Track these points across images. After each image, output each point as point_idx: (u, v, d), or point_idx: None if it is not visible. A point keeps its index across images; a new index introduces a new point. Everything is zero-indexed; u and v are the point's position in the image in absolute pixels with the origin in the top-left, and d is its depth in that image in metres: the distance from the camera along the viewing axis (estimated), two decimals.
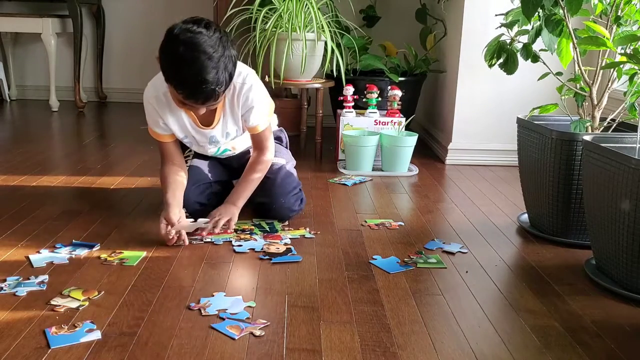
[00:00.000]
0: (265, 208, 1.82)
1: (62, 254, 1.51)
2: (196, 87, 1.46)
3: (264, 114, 1.74)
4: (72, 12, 3.71)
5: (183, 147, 1.91)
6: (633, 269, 1.37)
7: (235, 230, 1.71)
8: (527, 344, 1.17)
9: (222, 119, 1.73)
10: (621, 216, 1.37)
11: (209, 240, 1.63)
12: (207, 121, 1.72)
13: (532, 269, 1.55)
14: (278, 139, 2.03)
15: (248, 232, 1.71)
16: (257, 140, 1.79)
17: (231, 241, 1.63)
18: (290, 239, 1.67)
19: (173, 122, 1.71)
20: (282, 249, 1.60)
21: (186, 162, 1.86)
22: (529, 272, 1.53)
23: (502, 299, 1.37)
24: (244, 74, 1.68)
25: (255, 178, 1.77)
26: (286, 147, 2.06)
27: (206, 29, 1.50)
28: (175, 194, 1.67)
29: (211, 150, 1.82)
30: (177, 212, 1.62)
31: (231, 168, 1.93)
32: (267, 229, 1.74)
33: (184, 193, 1.72)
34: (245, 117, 1.72)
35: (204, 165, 1.85)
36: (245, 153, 1.90)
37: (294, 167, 1.96)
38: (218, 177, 1.87)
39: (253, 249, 1.59)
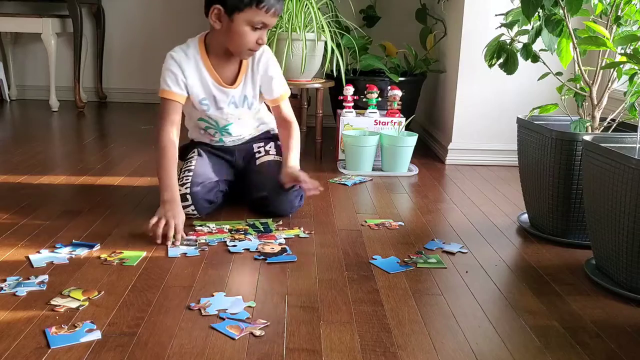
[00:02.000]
0: (264, 203, 1.83)
1: (62, 254, 1.51)
2: None
3: (284, 83, 1.90)
4: (72, 12, 3.71)
5: (189, 149, 1.95)
6: (633, 269, 1.37)
7: (230, 231, 1.70)
8: (527, 344, 1.17)
9: (243, 79, 1.84)
10: (621, 216, 1.37)
11: (203, 240, 1.62)
12: (229, 81, 1.84)
13: (532, 269, 1.55)
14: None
15: (242, 232, 1.70)
16: (285, 113, 1.90)
17: (225, 242, 1.63)
18: (285, 238, 1.67)
19: (195, 80, 1.80)
20: (277, 248, 1.59)
21: (190, 161, 1.89)
22: (529, 272, 1.53)
23: (502, 299, 1.37)
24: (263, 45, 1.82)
25: (297, 136, 1.90)
26: None
27: None
28: (175, 185, 1.72)
29: (221, 120, 1.89)
30: (182, 212, 1.67)
31: (234, 166, 1.96)
32: (262, 229, 1.73)
33: (192, 194, 1.77)
34: (268, 88, 1.87)
35: (207, 166, 1.88)
36: (249, 146, 1.97)
37: None
38: (223, 177, 1.90)
39: (248, 249, 1.58)
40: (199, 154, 1.92)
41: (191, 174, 1.82)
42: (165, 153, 1.73)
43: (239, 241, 1.63)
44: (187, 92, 1.79)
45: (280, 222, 1.80)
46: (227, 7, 1.68)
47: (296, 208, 1.87)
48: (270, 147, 1.98)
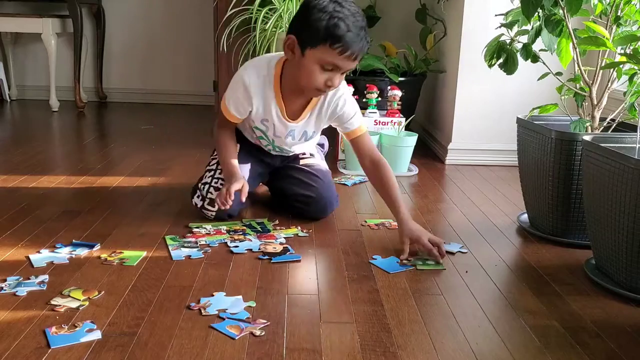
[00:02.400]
0: (306, 201, 1.82)
1: (62, 254, 1.51)
2: (360, 38, 1.51)
3: (359, 117, 1.77)
4: (72, 12, 3.71)
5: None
6: (633, 269, 1.37)
7: (228, 232, 1.70)
8: (527, 344, 1.17)
9: (308, 115, 1.76)
10: (621, 216, 1.37)
11: (204, 242, 1.62)
12: (293, 115, 1.75)
13: (532, 269, 1.55)
14: (320, 146, 2.12)
15: (241, 233, 1.69)
16: (368, 146, 1.77)
17: (226, 242, 1.63)
18: (285, 238, 1.67)
19: (260, 105, 1.72)
20: (279, 248, 1.60)
21: None
22: (529, 272, 1.53)
23: (502, 299, 1.37)
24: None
25: (395, 183, 1.71)
26: (324, 154, 2.12)
27: None
28: (234, 164, 1.73)
29: (276, 141, 1.83)
30: (239, 184, 1.66)
31: (272, 167, 1.94)
32: (259, 229, 1.73)
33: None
34: (340, 125, 1.77)
35: (244, 170, 1.81)
36: (296, 156, 1.94)
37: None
38: (256, 182, 1.92)
39: (250, 250, 1.58)
40: (241, 156, 1.83)
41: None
42: (225, 140, 1.76)
43: (240, 242, 1.63)
44: (248, 114, 1.76)
45: (277, 222, 1.80)
46: (302, 40, 1.55)
47: (334, 208, 1.88)
48: (313, 151, 1.97)
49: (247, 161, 1.85)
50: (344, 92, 1.74)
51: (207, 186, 1.79)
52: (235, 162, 1.73)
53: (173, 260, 1.51)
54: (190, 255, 1.53)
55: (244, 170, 1.80)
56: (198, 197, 1.80)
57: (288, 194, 1.86)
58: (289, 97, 1.71)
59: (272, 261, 1.51)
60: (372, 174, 1.76)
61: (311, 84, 1.59)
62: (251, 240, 1.64)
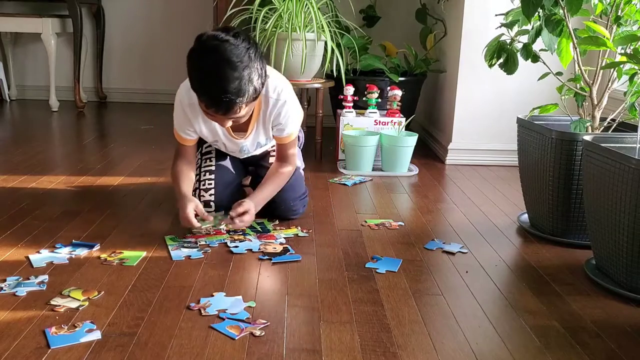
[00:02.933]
0: (272, 207, 1.81)
1: (62, 254, 1.51)
2: (216, 97, 1.45)
3: (296, 127, 1.77)
4: (72, 12, 3.71)
5: (203, 141, 1.93)
6: (633, 269, 1.37)
7: (228, 232, 1.70)
8: (527, 344, 1.17)
9: (254, 130, 1.75)
10: (621, 216, 1.37)
11: (203, 242, 1.62)
12: (240, 131, 1.75)
13: (532, 269, 1.54)
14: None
15: (241, 233, 1.69)
16: (283, 151, 1.79)
17: (226, 243, 1.62)
18: (285, 238, 1.67)
19: (205, 127, 1.72)
20: (279, 248, 1.60)
21: (209, 154, 1.89)
22: (529, 272, 1.53)
23: (502, 299, 1.37)
24: (279, 88, 1.69)
25: (277, 186, 1.75)
26: (300, 148, 2.07)
27: (234, 37, 1.47)
28: (189, 187, 1.70)
29: (235, 154, 1.87)
30: (192, 205, 1.63)
31: (251, 162, 1.96)
32: (259, 229, 1.73)
33: (216, 195, 1.78)
34: (278, 129, 1.74)
35: (228, 164, 1.87)
36: (266, 152, 1.93)
37: (302, 170, 1.98)
38: (242, 173, 1.93)
39: (250, 250, 1.58)
40: (217, 152, 1.89)
41: (213, 178, 1.81)
42: (177, 176, 1.72)
43: (240, 242, 1.63)
44: (195, 135, 1.76)
45: (277, 222, 1.80)
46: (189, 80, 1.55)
47: (299, 215, 1.86)
48: None
49: (225, 157, 1.89)
50: (286, 99, 1.70)
51: (197, 191, 1.80)
52: (186, 190, 1.68)
53: (173, 260, 1.51)
54: (190, 256, 1.53)
55: (224, 163, 1.87)
56: None
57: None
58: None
59: (272, 261, 1.51)
60: (274, 166, 1.79)
61: None
62: (251, 241, 1.64)
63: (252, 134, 1.76)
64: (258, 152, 1.88)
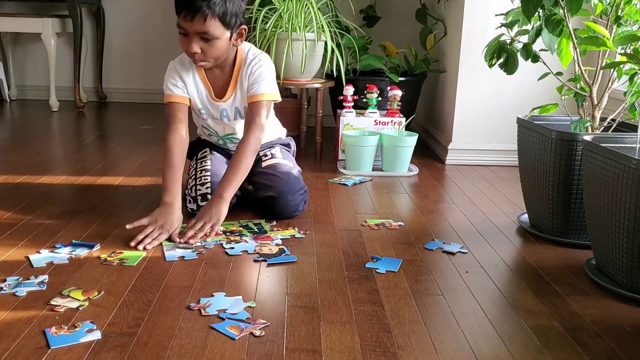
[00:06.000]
0: (270, 203, 1.82)
1: (62, 254, 1.51)
2: None
3: (268, 90, 1.77)
4: (72, 12, 3.71)
5: (199, 147, 1.98)
6: (633, 269, 1.37)
7: (224, 232, 1.69)
8: (527, 344, 1.17)
9: (233, 95, 1.81)
10: (621, 216, 1.37)
11: (200, 243, 1.61)
12: (220, 94, 1.82)
13: (532, 269, 1.55)
14: (287, 146, 2.10)
15: (237, 234, 1.68)
16: (252, 111, 1.76)
17: (222, 244, 1.61)
18: (281, 239, 1.66)
19: (193, 89, 1.81)
20: (275, 249, 1.58)
21: (204, 158, 1.91)
22: (529, 272, 1.53)
23: (502, 299, 1.37)
24: (259, 53, 1.81)
25: (242, 163, 1.70)
26: (293, 155, 2.09)
27: None
28: (178, 188, 1.69)
29: (219, 130, 1.91)
30: (178, 220, 1.65)
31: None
32: (256, 230, 1.72)
33: (212, 186, 1.78)
34: (252, 89, 1.77)
35: (223, 164, 1.89)
36: (259, 159, 1.93)
37: (300, 173, 1.97)
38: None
39: (246, 251, 1.57)
40: (212, 152, 1.94)
41: (209, 173, 1.83)
42: (173, 152, 1.72)
43: (236, 243, 1.62)
44: (187, 93, 1.81)
45: (274, 223, 1.80)
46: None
47: (299, 212, 1.86)
48: (275, 151, 1.98)
49: (224, 159, 1.93)
50: (263, 61, 1.79)
51: (194, 187, 1.81)
52: (174, 192, 1.67)
53: (166, 260, 1.50)
54: (184, 256, 1.53)
55: (220, 158, 1.90)
56: (189, 202, 1.82)
57: (255, 200, 1.88)
58: (212, 77, 1.81)
59: (267, 262, 1.50)
60: (238, 145, 1.76)
61: (186, 53, 1.71)
62: (247, 242, 1.63)
63: (231, 97, 1.82)
64: (235, 126, 1.89)
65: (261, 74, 1.77)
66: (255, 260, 1.52)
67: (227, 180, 1.69)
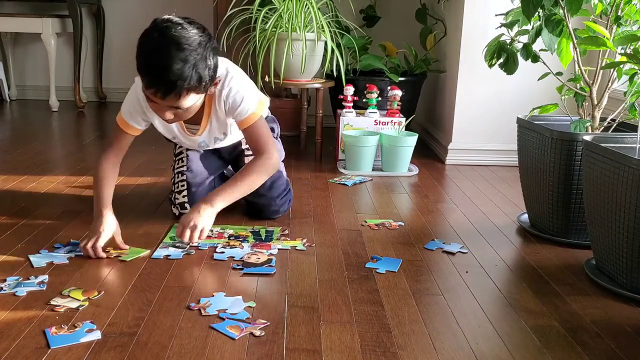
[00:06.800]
0: (255, 208, 1.81)
1: (62, 254, 1.51)
2: (157, 74, 1.40)
3: (253, 104, 1.62)
4: (72, 12, 3.71)
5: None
6: (633, 269, 1.37)
7: (229, 237, 1.67)
8: (527, 344, 1.17)
9: (208, 126, 1.68)
10: (621, 216, 1.37)
11: (195, 244, 1.59)
12: (193, 129, 1.70)
13: (532, 269, 1.54)
14: (270, 129, 1.94)
15: (240, 239, 1.65)
16: (254, 139, 1.64)
17: (216, 247, 1.59)
18: (279, 249, 1.60)
19: (161, 126, 1.70)
20: (263, 258, 1.52)
21: (181, 154, 1.86)
22: (529, 272, 1.53)
23: (502, 299, 1.37)
24: (223, 76, 1.60)
25: (247, 179, 1.60)
26: (277, 138, 1.96)
27: (190, 25, 1.46)
28: (108, 197, 1.60)
29: (203, 148, 1.82)
30: (106, 236, 1.53)
31: (225, 159, 1.93)
32: (262, 238, 1.67)
33: (189, 197, 1.76)
34: (232, 114, 1.63)
35: (199, 163, 1.82)
36: (237, 145, 1.87)
37: (282, 161, 1.94)
38: (215, 170, 1.88)
39: (232, 257, 1.53)
40: (187, 149, 1.85)
41: (185, 177, 1.79)
42: (101, 183, 1.61)
43: (231, 248, 1.59)
44: (144, 126, 1.69)
45: (287, 232, 1.73)
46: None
47: (282, 213, 1.84)
48: None
49: (201, 156, 1.85)
50: (231, 86, 1.60)
51: (172, 194, 1.81)
52: (105, 204, 1.58)
53: (152, 258, 1.51)
54: (170, 255, 1.53)
55: (196, 161, 1.82)
56: (174, 206, 1.81)
57: (250, 201, 1.81)
58: None
59: (242, 271, 1.45)
60: (250, 162, 1.66)
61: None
62: (242, 248, 1.59)
63: (206, 130, 1.69)
64: (222, 144, 1.80)
65: (236, 98, 1.60)
66: (233, 268, 1.47)
67: (224, 190, 1.59)
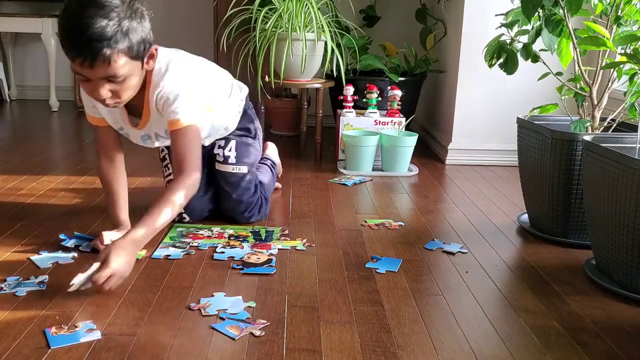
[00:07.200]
0: (229, 216, 1.80)
1: (66, 254, 1.51)
2: (79, 39, 1.24)
3: (184, 108, 1.44)
4: None
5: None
6: (633, 269, 1.37)
7: (230, 237, 1.66)
8: (527, 344, 1.17)
9: (150, 119, 1.53)
10: (621, 216, 1.37)
11: (196, 244, 1.60)
12: (136, 121, 1.56)
13: (532, 269, 1.55)
14: (245, 131, 1.84)
15: (240, 239, 1.65)
16: (175, 149, 1.45)
17: (216, 247, 1.59)
18: (280, 249, 1.60)
19: (106, 112, 1.56)
20: (264, 258, 1.53)
21: (165, 160, 1.86)
22: (529, 272, 1.53)
23: (502, 299, 1.37)
24: (167, 59, 1.48)
25: (170, 206, 1.39)
26: (256, 138, 1.87)
27: None
28: (123, 207, 1.59)
29: (149, 145, 1.68)
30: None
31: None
32: (262, 238, 1.67)
33: (190, 212, 1.75)
34: (164, 111, 1.47)
35: None
36: (210, 155, 1.78)
37: (267, 164, 1.96)
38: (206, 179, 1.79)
39: (232, 257, 1.53)
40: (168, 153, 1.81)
41: (170, 171, 1.78)
42: (105, 180, 1.60)
43: (231, 248, 1.59)
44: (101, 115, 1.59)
45: (287, 232, 1.74)
46: None
47: (258, 219, 1.81)
48: (230, 151, 1.78)
49: None
50: (171, 69, 1.47)
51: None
52: (119, 216, 1.57)
53: (152, 258, 1.51)
54: (170, 255, 1.53)
55: None
56: None
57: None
58: (128, 103, 1.45)
59: (242, 271, 1.45)
60: (169, 185, 1.49)
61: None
62: (242, 248, 1.59)
63: (148, 123, 1.54)
64: (165, 142, 1.66)
65: (169, 96, 1.44)
66: (233, 268, 1.47)
67: (144, 222, 1.36)
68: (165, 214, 1.38)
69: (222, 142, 1.79)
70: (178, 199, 1.41)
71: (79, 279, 1.26)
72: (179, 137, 1.45)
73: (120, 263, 1.27)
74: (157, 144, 1.68)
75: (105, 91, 1.33)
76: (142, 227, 1.35)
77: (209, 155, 1.80)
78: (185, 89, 1.47)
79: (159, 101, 1.46)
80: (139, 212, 1.84)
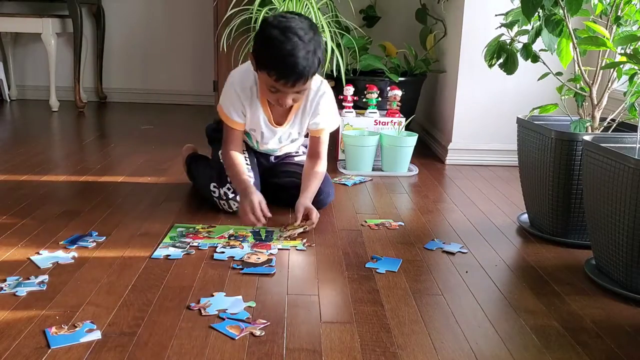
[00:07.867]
0: (286, 187, 1.92)
1: (66, 254, 1.51)
2: (288, 66, 1.57)
3: (329, 122, 1.86)
4: (72, 12, 3.71)
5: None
6: (633, 269, 1.37)
7: (229, 237, 1.67)
8: (527, 344, 1.17)
9: (293, 119, 1.84)
10: (621, 216, 1.37)
11: (196, 244, 1.60)
12: (279, 120, 1.84)
13: (532, 269, 1.55)
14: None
15: (241, 239, 1.65)
16: (316, 145, 1.86)
17: (216, 247, 1.59)
18: (280, 249, 1.60)
19: (252, 115, 1.81)
20: (263, 258, 1.53)
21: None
22: (529, 272, 1.53)
23: (502, 299, 1.37)
24: (320, 83, 1.83)
25: (318, 179, 1.83)
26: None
27: (298, 16, 1.64)
28: (247, 178, 1.79)
29: (262, 147, 1.93)
30: (258, 198, 1.72)
31: (265, 167, 1.99)
32: (262, 237, 1.67)
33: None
34: (314, 121, 1.84)
35: (249, 166, 1.90)
36: (285, 155, 2.02)
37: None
38: (259, 175, 1.93)
39: (232, 257, 1.53)
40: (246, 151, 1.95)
41: (251, 174, 1.87)
42: (235, 162, 1.80)
43: (231, 248, 1.59)
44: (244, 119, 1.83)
45: (287, 233, 1.70)
46: (255, 59, 1.65)
47: (331, 200, 1.96)
48: (302, 152, 2.05)
49: (249, 157, 1.91)
50: (325, 90, 1.83)
51: (228, 192, 1.85)
52: (247, 178, 1.78)
53: (152, 258, 1.51)
54: (170, 255, 1.53)
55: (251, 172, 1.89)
56: (229, 189, 1.83)
57: (287, 187, 1.91)
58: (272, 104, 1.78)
59: (242, 271, 1.45)
60: (308, 162, 1.87)
61: (269, 99, 1.73)
62: (242, 248, 1.59)
63: (289, 123, 1.85)
64: (285, 149, 1.97)
65: (324, 108, 1.83)
66: (233, 268, 1.47)
67: (310, 189, 1.80)
68: (316, 188, 1.83)
69: (299, 152, 2.06)
70: (321, 176, 1.86)
71: (295, 232, 1.68)
72: (321, 139, 1.87)
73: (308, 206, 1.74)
74: (277, 145, 1.93)
75: (289, 100, 1.68)
76: (307, 193, 1.79)
77: (277, 158, 2.03)
78: (333, 109, 1.90)
79: (312, 106, 1.83)
80: (139, 212, 1.85)
